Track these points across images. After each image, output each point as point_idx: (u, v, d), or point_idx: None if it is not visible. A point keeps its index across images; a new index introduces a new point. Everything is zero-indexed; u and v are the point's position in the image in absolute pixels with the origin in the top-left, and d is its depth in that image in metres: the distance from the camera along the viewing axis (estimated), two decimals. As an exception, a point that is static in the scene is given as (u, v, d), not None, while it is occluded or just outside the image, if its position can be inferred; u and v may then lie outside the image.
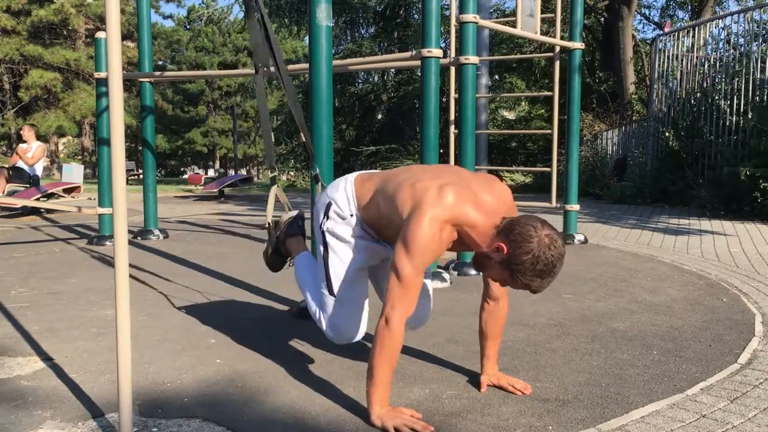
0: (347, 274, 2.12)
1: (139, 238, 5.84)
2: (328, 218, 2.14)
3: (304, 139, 2.94)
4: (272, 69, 2.99)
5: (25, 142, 9.31)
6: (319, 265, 2.20)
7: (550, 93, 5.77)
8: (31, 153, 9.15)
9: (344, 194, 2.13)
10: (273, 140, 2.97)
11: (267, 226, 2.69)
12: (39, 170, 9.28)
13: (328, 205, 2.15)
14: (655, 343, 2.70)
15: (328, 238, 2.13)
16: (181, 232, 6.61)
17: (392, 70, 15.13)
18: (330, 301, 2.14)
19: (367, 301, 2.18)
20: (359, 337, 2.18)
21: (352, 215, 2.11)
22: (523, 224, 1.77)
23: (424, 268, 1.84)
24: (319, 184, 2.83)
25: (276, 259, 2.66)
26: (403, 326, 1.83)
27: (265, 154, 2.93)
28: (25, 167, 9.10)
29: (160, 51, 33.53)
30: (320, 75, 3.03)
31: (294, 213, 2.64)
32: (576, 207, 5.60)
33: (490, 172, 10.29)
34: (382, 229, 2.08)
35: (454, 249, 1.97)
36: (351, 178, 2.18)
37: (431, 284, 2.34)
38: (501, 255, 1.79)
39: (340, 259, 2.12)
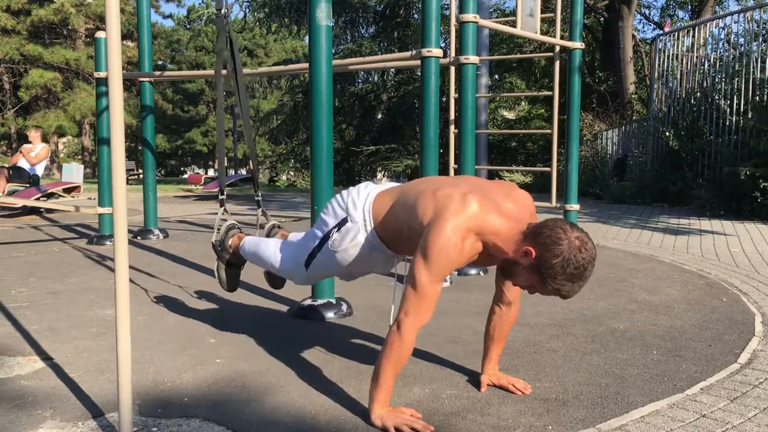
0: (323, 273, 2.29)
1: (138, 237, 5.84)
2: (338, 231, 2.09)
3: (252, 167, 3.12)
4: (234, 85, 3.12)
5: (30, 142, 9.33)
6: (307, 243, 2.25)
7: (550, 93, 5.77)
8: (35, 153, 9.17)
9: (362, 214, 2.05)
10: (226, 165, 3.14)
11: (212, 245, 2.80)
12: (40, 170, 9.28)
13: (344, 221, 2.08)
14: (655, 343, 2.70)
15: (327, 247, 2.13)
16: (181, 231, 6.61)
17: (392, 69, 15.11)
18: (300, 269, 2.27)
19: None
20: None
21: (359, 238, 2.06)
22: (551, 227, 1.73)
23: (441, 277, 1.80)
24: (260, 210, 3.02)
25: (231, 273, 2.80)
26: (415, 334, 1.81)
27: (219, 177, 3.08)
28: (26, 167, 9.10)
29: (160, 51, 33.50)
30: (320, 75, 3.03)
31: (228, 222, 2.81)
32: (576, 207, 5.60)
33: (489, 172, 10.30)
34: (401, 242, 2.01)
35: (480, 262, 1.92)
36: (372, 195, 2.09)
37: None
38: (529, 259, 1.74)
39: (324, 266, 2.19)
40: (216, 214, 2.95)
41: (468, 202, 1.78)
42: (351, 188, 2.17)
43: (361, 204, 2.07)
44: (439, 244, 1.75)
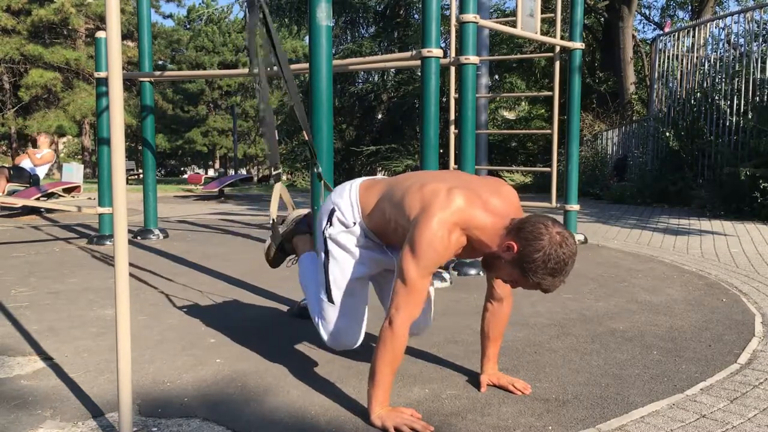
0: (347, 285, 2.11)
1: (139, 237, 5.84)
2: (330, 224, 2.11)
3: (306, 138, 2.89)
4: (275, 68, 2.94)
5: (38, 146, 9.58)
6: (319, 271, 2.19)
7: (550, 93, 5.77)
8: (40, 155, 9.35)
9: (348, 201, 2.10)
10: (277, 138, 2.88)
11: (272, 222, 2.67)
12: (42, 172, 9.36)
13: (332, 211, 2.12)
14: (655, 343, 2.70)
15: (330, 245, 2.12)
16: (181, 231, 6.61)
17: (392, 70, 15.11)
18: (329, 309, 2.13)
19: (366, 308, 2.18)
20: (358, 343, 2.18)
21: (355, 223, 2.08)
22: (533, 222, 1.75)
23: (430, 271, 1.81)
24: (323, 182, 2.80)
25: (279, 256, 2.68)
26: (407, 329, 1.82)
27: (270, 152, 2.84)
28: (27, 166, 9.16)
29: (160, 51, 33.49)
30: (320, 75, 3.03)
31: (304, 211, 2.65)
32: (576, 207, 5.61)
33: (489, 172, 10.29)
34: (389, 234, 2.04)
35: (464, 255, 1.93)
36: (356, 184, 2.14)
37: (432, 290, 2.32)
38: (511, 254, 1.76)
39: (341, 269, 2.10)
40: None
41: (454, 196, 1.81)
42: (336, 187, 2.23)
43: (347, 193, 2.12)
44: (426, 238, 1.78)
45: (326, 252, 2.13)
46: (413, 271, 1.79)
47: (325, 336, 2.17)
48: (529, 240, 1.72)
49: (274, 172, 2.76)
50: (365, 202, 2.07)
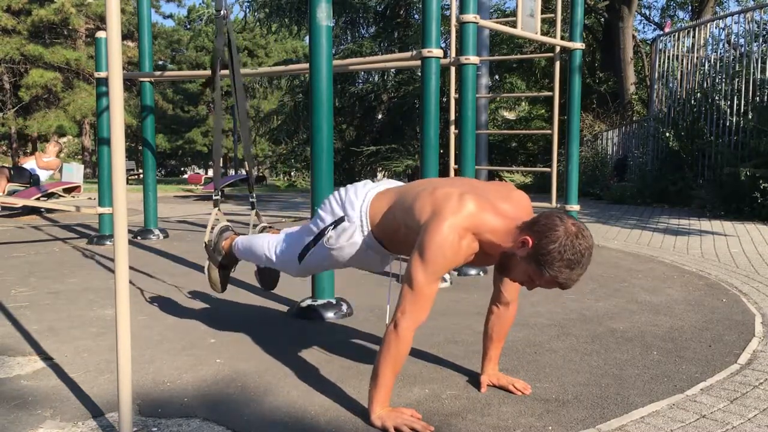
0: (316, 268, 2.30)
1: (139, 237, 5.84)
2: (333, 229, 2.09)
3: (246, 170, 3.10)
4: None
5: (44, 152, 9.76)
6: (302, 237, 2.25)
7: (550, 93, 5.77)
8: (47, 159, 9.49)
9: (359, 215, 2.06)
10: (221, 164, 3.12)
11: (205, 245, 2.77)
12: (43, 175, 9.41)
13: (341, 219, 2.08)
14: (655, 344, 2.70)
15: (322, 244, 2.12)
16: (181, 231, 6.61)
17: (392, 70, 15.10)
18: (294, 261, 2.26)
19: None
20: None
21: (355, 238, 2.06)
22: (547, 216, 1.75)
23: (438, 276, 1.80)
24: (255, 211, 3.00)
25: (222, 275, 2.77)
26: (412, 333, 1.82)
27: (214, 179, 3.05)
28: (29, 167, 9.20)
29: (160, 51, 33.50)
30: (320, 75, 3.03)
31: (222, 224, 2.79)
32: (576, 207, 5.60)
33: (489, 172, 10.29)
34: (398, 242, 2.01)
35: (478, 263, 1.93)
36: (369, 197, 2.08)
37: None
38: (526, 249, 1.74)
39: (318, 261, 2.20)
40: (210, 214, 2.94)
41: (465, 201, 1.80)
42: (349, 186, 2.17)
43: (358, 205, 2.07)
44: (436, 242, 1.76)
45: (316, 240, 2.15)
46: (421, 276, 1.78)
47: (273, 259, 2.36)
48: (543, 232, 1.71)
49: (214, 197, 2.96)
50: (375, 211, 2.05)
